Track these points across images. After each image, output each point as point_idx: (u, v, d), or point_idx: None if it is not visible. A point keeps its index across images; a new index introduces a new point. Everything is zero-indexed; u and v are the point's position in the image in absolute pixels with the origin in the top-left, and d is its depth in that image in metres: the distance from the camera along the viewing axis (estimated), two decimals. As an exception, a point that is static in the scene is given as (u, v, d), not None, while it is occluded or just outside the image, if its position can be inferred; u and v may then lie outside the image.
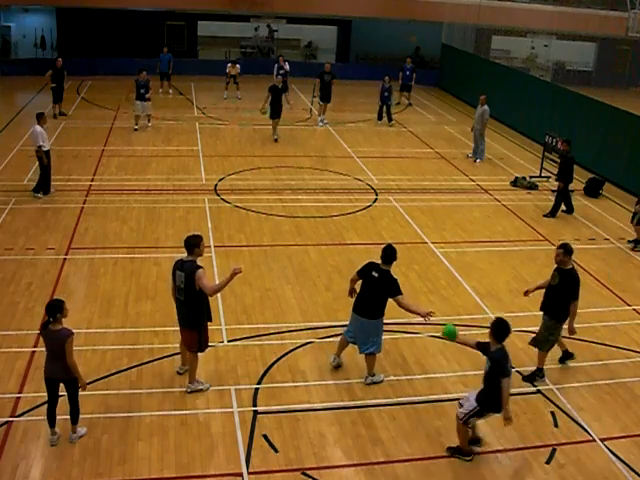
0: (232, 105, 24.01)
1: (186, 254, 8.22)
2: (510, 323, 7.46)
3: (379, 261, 8.72)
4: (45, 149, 14.66)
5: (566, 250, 9.03)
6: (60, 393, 7.53)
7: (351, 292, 8.99)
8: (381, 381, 9.07)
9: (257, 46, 34.55)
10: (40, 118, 14.87)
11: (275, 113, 19.85)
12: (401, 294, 8.59)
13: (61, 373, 7.34)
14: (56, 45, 31.18)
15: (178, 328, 8.73)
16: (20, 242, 12.47)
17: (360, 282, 8.84)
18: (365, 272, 8.76)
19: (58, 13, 30.03)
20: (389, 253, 8.66)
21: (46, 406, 7.53)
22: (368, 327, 8.75)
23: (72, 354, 7.28)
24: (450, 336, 8.03)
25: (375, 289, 8.65)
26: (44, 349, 7.49)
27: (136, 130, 20.41)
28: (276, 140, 20.16)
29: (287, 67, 24.08)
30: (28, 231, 12.95)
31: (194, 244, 8.20)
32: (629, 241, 14.24)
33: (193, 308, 8.20)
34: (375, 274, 8.63)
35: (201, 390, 8.57)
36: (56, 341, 7.23)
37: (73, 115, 21.65)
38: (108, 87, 26.04)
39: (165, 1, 28.44)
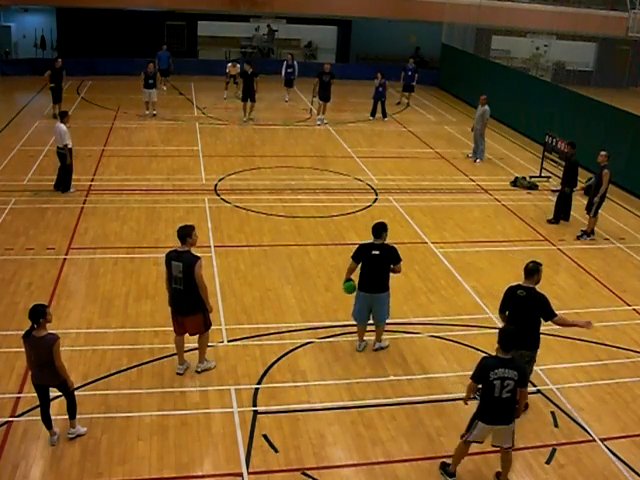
0: (232, 105, 23.99)
1: (180, 244, 8.48)
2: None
3: (370, 240, 9.38)
4: (69, 147, 14.81)
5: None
6: (54, 394, 7.54)
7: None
8: (387, 346, 9.71)
9: (257, 46, 34.58)
10: (64, 116, 15.07)
11: (246, 96, 21.89)
12: (401, 260, 9.31)
13: (51, 379, 7.29)
14: (56, 45, 31.18)
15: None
16: (20, 242, 12.47)
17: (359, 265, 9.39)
18: (363, 253, 9.28)
19: (58, 13, 30.03)
20: (378, 227, 9.28)
21: (39, 410, 7.51)
22: (380, 300, 9.37)
23: (60, 358, 7.24)
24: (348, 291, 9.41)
25: (379, 264, 9.22)
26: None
27: (146, 115, 21.75)
28: (245, 121, 21.91)
29: (296, 66, 25.02)
30: (28, 231, 12.95)
31: (186, 234, 8.49)
32: (579, 236, 14.40)
33: (194, 293, 8.44)
34: (376, 252, 9.18)
35: (209, 368, 8.89)
36: (42, 347, 7.14)
37: (73, 115, 21.45)
38: (108, 87, 26.03)
39: (165, 1, 28.45)
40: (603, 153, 14.20)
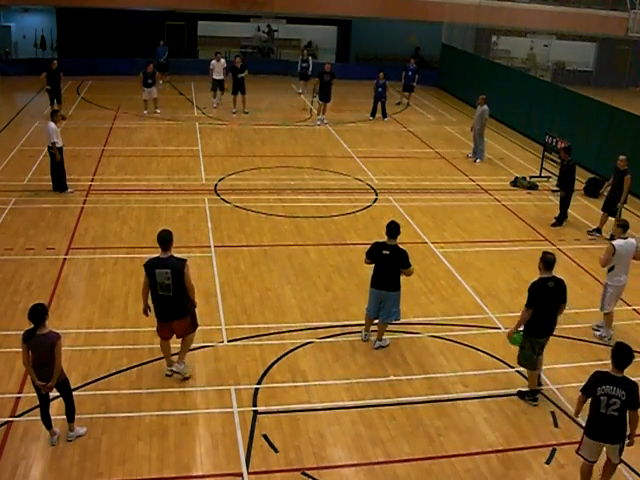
0: (232, 105, 23.97)
1: (161, 251, 8.26)
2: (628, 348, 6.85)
3: (384, 238, 9.56)
4: (58, 146, 14.75)
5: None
6: (53, 394, 7.56)
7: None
8: (387, 345, 9.74)
9: (257, 46, 34.58)
10: (54, 115, 15.04)
11: (236, 89, 22.88)
12: (410, 266, 9.50)
13: (51, 377, 7.27)
14: (56, 45, 31.18)
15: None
16: (20, 242, 12.47)
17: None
18: (375, 252, 9.51)
19: (58, 13, 30.03)
20: (393, 228, 9.48)
21: (39, 410, 7.50)
22: (390, 299, 9.49)
23: (61, 356, 7.26)
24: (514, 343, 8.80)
25: (389, 264, 9.42)
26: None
27: (145, 114, 21.97)
28: (235, 112, 23.01)
29: (310, 61, 26.15)
30: (28, 231, 12.95)
31: (170, 239, 8.32)
32: (589, 232, 14.57)
33: (183, 298, 8.30)
34: (386, 252, 9.39)
35: (184, 374, 8.67)
36: (45, 346, 7.15)
37: (73, 115, 21.63)
38: (108, 87, 26.04)
39: (165, 1, 28.45)
40: (623, 157, 14.06)
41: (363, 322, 9.96)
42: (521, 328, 8.61)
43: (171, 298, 8.23)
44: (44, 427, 7.51)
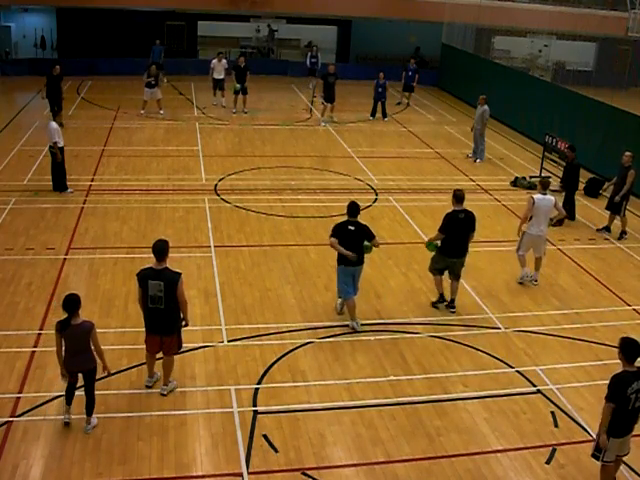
0: (232, 105, 23.97)
1: (155, 261, 8.02)
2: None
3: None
4: (60, 145, 14.73)
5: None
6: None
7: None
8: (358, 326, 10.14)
9: (257, 46, 34.57)
10: (56, 114, 14.96)
11: (238, 89, 23.00)
12: (375, 236, 10.04)
13: (83, 364, 7.53)
14: (56, 45, 31.18)
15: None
16: (20, 242, 12.47)
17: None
18: (341, 230, 9.90)
19: (58, 13, 30.02)
20: (355, 208, 9.96)
21: (65, 392, 7.73)
22: (358, 273, 10.15)
23: (99, 340, 7.56)
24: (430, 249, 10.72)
25: (355, 239, 9.89)
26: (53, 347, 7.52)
27: (142, 114, 21.87)
28: (235, 112, 23.06)
29: (319, 57, 27.16)
30: (28, 231, 12.94)
31: (166, 249, 8.08)
32: (598, 230, 14.84)
33: (174, 314, 8.06)
34: (352, 227, 9.87)
35: (175, 388, 8.48)
36: (81, 335, 7.40)
37: (73, 115, 21.62)
38: (108, 87, 26.03)
39: (165, 1, 28.44)
40: (628, 154, 14.24)
41: (363, 322, 9.98)
42: (438, 243, 10.57)
43: (162, 311, 7.97)
44: (64, 402, 7.69)
